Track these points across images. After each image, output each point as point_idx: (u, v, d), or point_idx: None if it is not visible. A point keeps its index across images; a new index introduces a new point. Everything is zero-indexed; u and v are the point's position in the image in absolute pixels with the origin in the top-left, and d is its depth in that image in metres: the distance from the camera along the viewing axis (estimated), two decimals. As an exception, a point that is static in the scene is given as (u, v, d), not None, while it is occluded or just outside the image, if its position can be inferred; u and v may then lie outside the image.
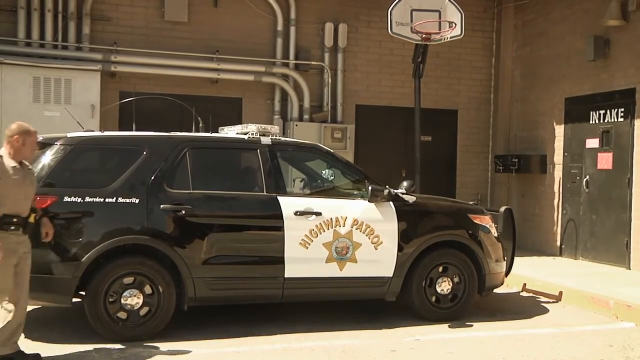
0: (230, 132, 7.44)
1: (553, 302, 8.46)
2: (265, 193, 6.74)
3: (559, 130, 11.61)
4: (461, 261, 7.30)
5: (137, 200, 6.28)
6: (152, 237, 6.27)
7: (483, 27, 13.04)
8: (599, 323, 7.46)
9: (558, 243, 11.57)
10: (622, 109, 10.29)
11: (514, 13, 12.87)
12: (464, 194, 12.67)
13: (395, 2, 10.04)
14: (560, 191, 11.57)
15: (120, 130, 9.92)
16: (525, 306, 8.22)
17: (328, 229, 6.79)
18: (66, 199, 6.08)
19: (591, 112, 10.86)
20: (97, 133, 6.89)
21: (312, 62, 11.95)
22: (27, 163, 5.67)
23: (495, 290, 7.82)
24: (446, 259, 7.27)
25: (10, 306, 5.41)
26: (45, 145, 6.30)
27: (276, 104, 11.87)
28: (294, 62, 11.90)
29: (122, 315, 6.22)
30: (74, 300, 6.22)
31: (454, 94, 12.96)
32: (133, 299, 6.21)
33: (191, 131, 7.49)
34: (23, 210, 5.47)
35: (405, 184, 7.61)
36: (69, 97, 10.36)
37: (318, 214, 6.77)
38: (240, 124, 8.17)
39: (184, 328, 6.59)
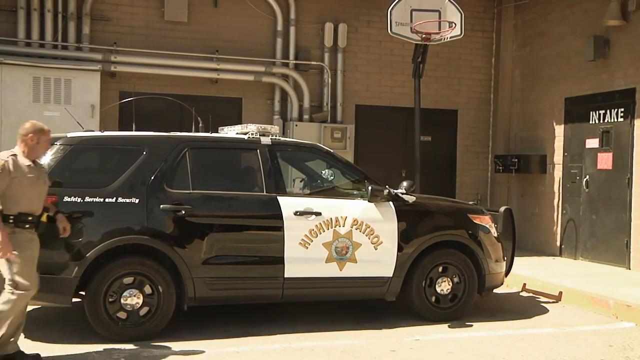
0: (230, 132, 7.44)
1: (553, 302, 8.46)
2: (265, 193, 6.74)
3: (559, 130, 11.60)
4: (461, 261, 7.30)
5: (137, 200, 6.29)
6: (152, 237, 6.27)
7: (483, 27, 13.03)
8: (599, 323, 7.46)
9: (558, 243, 11.57)
10: (622, 109, 10.29)
11: (514, 13, 12.86)
12: (463, 194, 12.66)
13: (395, 2, 10.04)
14: (560, 191, 11.56)
15: (120, 130, 9.92)
16: (525, 306, 8.22)
17: (328, 229, 6.79)
18: (66, 199, 6.08)
19: (591, 112, 10.86)
20: (97, 133, 6.89)
21: (312, 62, 11.94)
22: (40, 162, 5.69)
23: (495, 290, 7.82)
24: (446, 259, 7.26)
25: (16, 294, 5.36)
26: (45, 145, 6.30)
27: (276, 104, 11.87)
28: (294, 62, 11.90)
29: (122, 315, 6.22)
30: (74, 300, 6.22)
31: (454, 94, 12.95)
32: (133, 299, 6.22)
33: (191, 131, 7.48)
34: (37, 209, 5.49)
35: (405, 184, 7.59)
36: (68, 97, 10.35)
37: (318, 214, 6.77)
38: (240, 124, 8.16)
39: (184, 328, 6.59)
